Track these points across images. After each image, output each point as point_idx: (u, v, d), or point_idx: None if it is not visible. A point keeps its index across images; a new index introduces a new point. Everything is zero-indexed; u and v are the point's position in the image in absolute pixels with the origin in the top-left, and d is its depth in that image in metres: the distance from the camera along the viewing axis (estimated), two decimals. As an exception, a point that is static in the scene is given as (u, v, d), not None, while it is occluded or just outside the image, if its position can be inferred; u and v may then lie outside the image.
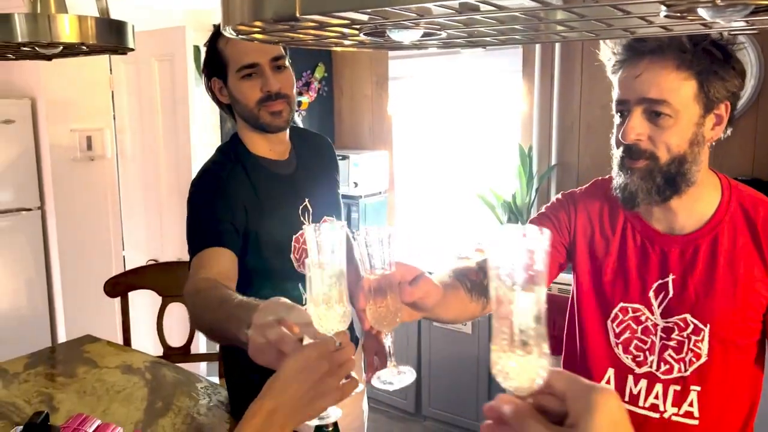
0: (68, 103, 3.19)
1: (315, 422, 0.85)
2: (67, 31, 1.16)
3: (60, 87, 3.15)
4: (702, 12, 0.59)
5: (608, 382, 1.21)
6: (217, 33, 1.41)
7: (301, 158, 1.56)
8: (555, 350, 1.69)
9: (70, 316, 3.27)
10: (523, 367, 0.55)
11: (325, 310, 0.84)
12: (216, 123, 3.81)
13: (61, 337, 3.26)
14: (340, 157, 3.57)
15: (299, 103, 3.69)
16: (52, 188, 3.18)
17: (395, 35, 0.82)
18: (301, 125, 3.67)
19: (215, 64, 1.45)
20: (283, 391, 0.76)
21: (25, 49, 1.25)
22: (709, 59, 1.03)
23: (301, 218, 1.50)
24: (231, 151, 1.49)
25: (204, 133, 3.63)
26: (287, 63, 1.47)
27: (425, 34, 0.82)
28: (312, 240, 0.86)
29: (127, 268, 3.48)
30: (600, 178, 1.29)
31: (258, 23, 0.79)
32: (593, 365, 1.22)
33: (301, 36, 0.87)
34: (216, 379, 2.24)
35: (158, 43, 3.08)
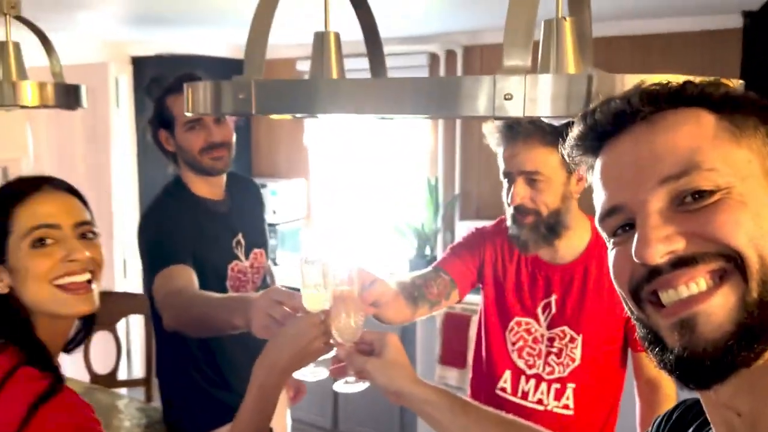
0: (-16, 134, 3.20)
1: (303, 373, 1.09)
2: (29, 96, 1.32)
3: (-25, 117, 3.15)
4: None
5: (506, 381, 1.51)
6: (166, 91, 1.61)
7: (234, 199, 1.78)
8: (459, 363, 2.07)
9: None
10: (348, 329, 1.02)
11: (314, 292, 1.06)
12: (133, 152, 3.90)
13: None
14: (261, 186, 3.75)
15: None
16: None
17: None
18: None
19: (163, 118, 1.64)
20: (281, 349, 1.01)
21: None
22: (564, 134, 1.34)
23: (235, 250, 1.71)
24: (175, 191, 1.70)
25: (123, 164, 3.70)
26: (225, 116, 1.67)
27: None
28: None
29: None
30: (503, 216, 1.58)
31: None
32: (495, 367, 1.52)
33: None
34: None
35: (81, 77, 3.14)
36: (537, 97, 0.73)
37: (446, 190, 3.57)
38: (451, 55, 3.39)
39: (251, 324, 1.14)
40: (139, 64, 3.93)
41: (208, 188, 1.71)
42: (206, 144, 1.62)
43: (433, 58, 3.44)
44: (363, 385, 1.07)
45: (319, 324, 1.02)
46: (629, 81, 0.71)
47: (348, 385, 1.08)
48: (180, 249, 1.53)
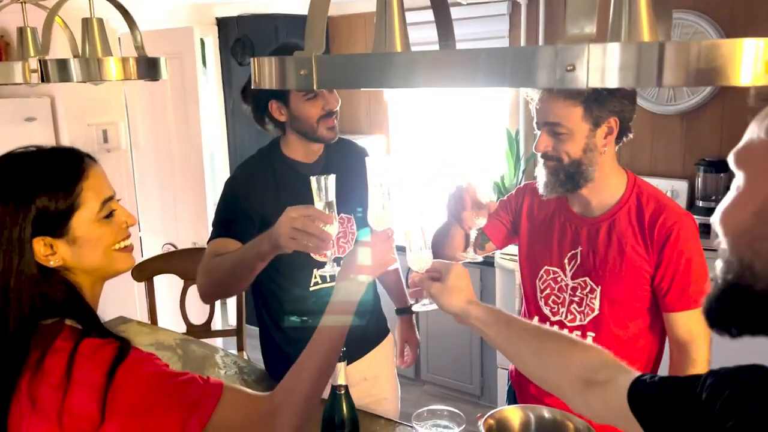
0: (84, 100, 3.41)
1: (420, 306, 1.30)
2: (113, 72, 1.39)
3: (76, 85, 3.35)
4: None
5: None
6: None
7: (330, 161, 1.75)
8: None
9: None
10: (420, 259, 1.23)
11: (384, 217, 1.27)
12: (221, 111, 4.03)
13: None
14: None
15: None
16: (73, 180, 3.40)
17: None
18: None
19: (274, 90, 1.66)
20: (358, 259, 1.19)
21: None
22: (592, 90, 1.31)
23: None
24: (267, 154, 1.75)
25: (212, 123, 3.85)
26: None
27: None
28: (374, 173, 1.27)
29: (144, 251, 3.74)
30: None
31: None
32: (527, 313, 1.62)
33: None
34: (233, 351, 2.50)
35: (168, 42, 3.27)
36: (602, 67, 0.69)
37: (527, 142, 3.48)
38: (533, 2, 3.25)
39: (278, 241, 1.30)
40: (223, 25, 4.02)
41: (304, 152, 1.72)
42: (324, 112, 1.63)
43: (514, 5, 3.31)
44: (434, 306, 1.23)
45: (387, 239, 1.22)
46: (707, 49, 0.65)
47: (423, 306, 1.27)
48: (238, 218, 1.59)
